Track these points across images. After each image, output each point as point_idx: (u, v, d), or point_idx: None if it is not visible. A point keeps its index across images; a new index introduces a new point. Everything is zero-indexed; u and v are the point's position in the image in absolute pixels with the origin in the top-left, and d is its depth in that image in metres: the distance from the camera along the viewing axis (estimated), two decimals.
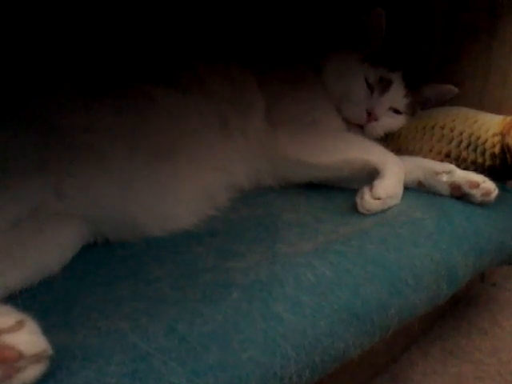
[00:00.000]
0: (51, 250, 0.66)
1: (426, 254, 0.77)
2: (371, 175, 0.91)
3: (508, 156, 0.93)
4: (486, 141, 0.96)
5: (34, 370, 0.42)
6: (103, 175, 0.72)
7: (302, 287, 0.62)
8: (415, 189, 0.97)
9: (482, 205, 0.92)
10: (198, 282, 0.63)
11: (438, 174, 0.94)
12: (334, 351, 0.59)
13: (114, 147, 0.75)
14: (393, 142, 1.08)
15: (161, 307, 0.57)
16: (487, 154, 0.95)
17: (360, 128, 1.07)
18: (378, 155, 0.93)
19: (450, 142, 1.00)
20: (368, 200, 0.86)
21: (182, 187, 0.82)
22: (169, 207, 0.79)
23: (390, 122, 1.08)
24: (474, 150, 0.97)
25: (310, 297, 0.61)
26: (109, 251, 0.73)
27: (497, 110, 1.07)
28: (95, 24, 0.98)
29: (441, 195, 0.94)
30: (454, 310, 1.12)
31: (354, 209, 0.88)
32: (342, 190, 0.99)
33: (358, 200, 0.87)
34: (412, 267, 0.73)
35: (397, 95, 1.09)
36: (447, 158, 0.99)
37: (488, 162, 0.95)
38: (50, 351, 0.43)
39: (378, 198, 0.86)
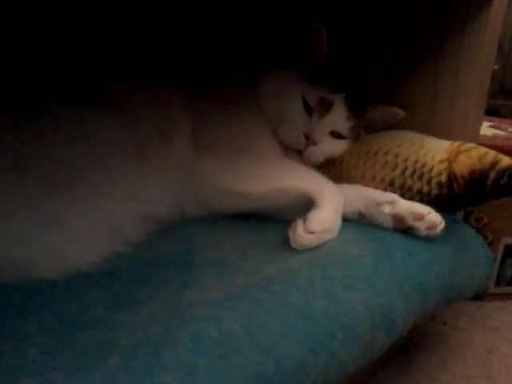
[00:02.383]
0: None
1: (360, 300, 0.67)
2: (308, 206, 0.81)
3: (455, 185, 0.85)
4: (432, 168, 0.87)
5: None
6: None
7: (200, 348, 0.51)
8: (356, 221, 0.87)
9: (428, 239, 0.82)
10: (74, 341, 0.52)
11: (379, 204, 0.85)
12: None
13: None
14: (334, 168, 0.99)
15: (14, 379, 0.45)
16: (433, 182, 0.87)
17: (298, 153, 0.97)
18: (314, 183, 0.84)
19: (394, 169, 0.91)
20: (301, 234, 0.76)
21: (81, 221, 0.70)
22: (61, 245, 0.67)
23: (330, 146, 0.99)
24: (420, 179, 0.88)
25: (209, 361, 0.50)
26: None
27: (445, 134, 0.99)
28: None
29: (383, 228, 0.84)
30: (402, 353, 1.02)
31: (287, 243, 0.78)
32: (276, 221, 0.88)
33: (291, 234, 0.78)
34: (342, 316, 0.63)
35: (338, 118, 1.00)
36: (391, 186, 0.90)
37: (434, 192, 0.87)
38: None
39: (313, 232, 0.76)
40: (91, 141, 0.76)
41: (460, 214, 1.06)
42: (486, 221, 1.24)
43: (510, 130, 1.51)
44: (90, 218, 0.71)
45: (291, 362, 0.55)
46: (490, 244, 1.24)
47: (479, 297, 1.24)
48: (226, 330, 0.54)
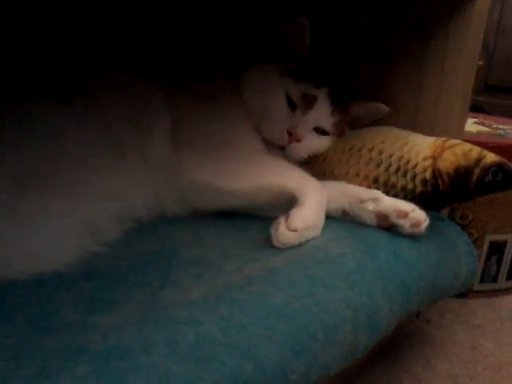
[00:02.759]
0: None
1: (343, 300, 0.65)
2: (291, 203, 0.79)
3: (440, 182, 0.83)
4: (416, 165, 0.86)
5: None
6: None
7: (176, 353, 0.49)
8: (339, 218, 0.85)
9: (412, 236, 0.81)
10: (43, 347, 0.49)
11: (363, 201, 0.83)
12: None
13: None
14: (317, 165, 0.97)
15: None
16: (418, 179, 0.85)
17: (281, 150, 0.95)
18: (296, 180, 0.82)
19: (378, 165, 0.89)
20: (283, 232, 0.74)
21: (55, 220, 0.68)
22: (34, 245, 0.65)
23: (314, 143, 0.97)
24: (404, 175, 0.86)
25: (184, 366, 0.48)
26: None
27: (430, 130, 0.98)
28: None
29: (367, 226, 0.83)
30: (385, 353, 1.00)
31: (269, 242, 0.76)
32: (259, 218, 0.86)
33: (273, 232, 0.76)
34: (324, 317, 0.62)
35: (322, 113, 0.98)
36: (375, 183, 0.89)
37: (419, 189, 0.85)
38: None
39: (295, 230, 0.74)
40: (65, 138, 0.73)
41: (445, 211, 1.04)
42: (471, 218, 1.24)
43: (494, 126, 1.51)
44: (64, 218, 0.69)
45: (271, 365, 0.53)
46: (474, 241, 1.23)
47: (464, 294, 1.23)
48: (203, 333, 0.52)
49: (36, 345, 0.49)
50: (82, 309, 0.58)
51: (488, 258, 1.28)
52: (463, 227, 1.18)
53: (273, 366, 0.53)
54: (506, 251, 1.29)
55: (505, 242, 1.28)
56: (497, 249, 1.28)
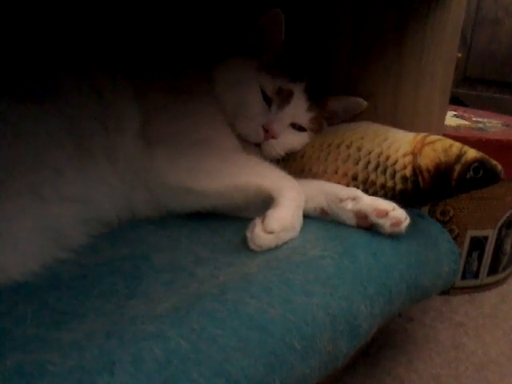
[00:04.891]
0: None
1: (321, 306, 0.62)
2: (268, 203, 0.75)
3: (420, 179, 0.81)
4: (395, 161, 0.83)
5: None
6: None
7: (141, 371, 0.46)
8: (318, 218, 0.82)
9: (392, 236, 0.78)
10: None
11: (342, 200, 0.80)
12: None
13: None
14: (295, 162, 0.94)
15: None
16: (397, 176, 0.83)
17: (257, 147, 0.92)
18: (272, 179, 0.79)
19: (357, 162, 0.86)
20: (259, 234, 0.71)
21: (14, 225, 0.63)
22: None
23: (291, 139, 0.94)
24: (383, 172, 0.84)
25: None
26: None
27: (410, 124, 0.96)
28: None
29: (346, 225, 0.80)
30: (367, 354, 0.98)
31: (245, 244, 0.73)
32: (234, 220, 0.83)
33: (249, 234, 0.73)
34: (301, 326, 0.59)
35: (299, 109, 0.95)
36: (354, 181, 0.86)
37: (399, 186, 0.83)
38: None
39: (271, 232, 0.71)
40: (24, 137, 0.69)
41: (425, 208, 1.03)
42: (451, 214, 1.22)
43: (474, 119, 1.49)
44: (25, 222, 0.65)
45: (245, 381, 0.50)
46: (455, 237, 1.22)
47: (445, 291, 1.21)
48: (171, 349, 0.49)
49: None
50: (43, 323, 0.54)
51: (469, 254, 1.27)
52: (444, 223, 1.16)
53: (247, 381, 0.50)
54: (487, 247, 1.28)
55: (486, 238, 1.27)
56: (478, 244, 1.27)
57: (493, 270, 1.32)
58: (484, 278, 1.32)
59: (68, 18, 0.95)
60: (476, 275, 1.30)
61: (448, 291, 1.25)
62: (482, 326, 1.14)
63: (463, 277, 1.28)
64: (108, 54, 0.88)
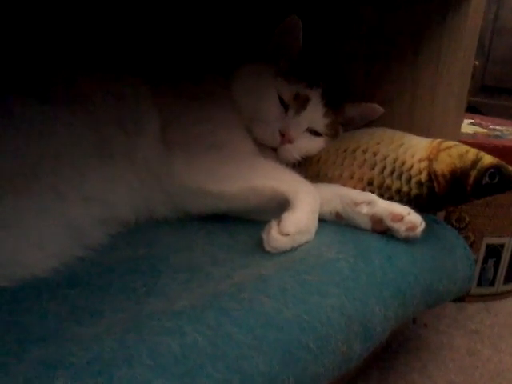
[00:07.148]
0: None
1: (336, 307, 0.63)
2: (283, 206, 0.76)
3: (436, 184, 0.81)
4: (411, 167, 0.83)
5: None
6: None
7: (158, 365, 0.47)
8: (333, 222, 0.83)
9: (407, 240, 0.79)
10: (24, 359, 0.47)
11: (357, 204, 0.81)
12: None
13: None
14: (311, 167, 0.95)
15: None
16: (413, 181, 0.83)
17: (274, 151, 0.93)
18: (289, 183, 0.80)
19: (373, 167, 0.87)
20: (275, 236, 0.72)
21: (37, 224, 0.65)
22: (15, 249, 0.62)
23: (307, 144, 0.95)
24: (399, 177, 0.84)
25: (167, 380, 0.46)
26: None
27: (426, 131, 0.96)
28: None
29: (361, 229, 0.81)
30: (381, 359, 0.98)
31: (261, 246, 0.73)
32: (250, 222, 0.84)
33: (264, 236, 0.73)
34: (316, 326, 0.59)
35: (315, 114, 0.96)
36: (370, 186, 0.87)
37: (414, 191, 0.83)
38: None
39: (287, 234, 0.72)
40: (48, 138, 0.71)
41: (441, 214, 1.03)
42: (467, 220, 1.21)
43: (491, 127, 1.49)
44: (47, 221, 0.66)
45: (259, 378, 0.51)
46: (471, 244, 1.21)
47: (461, 298, 1.21)
48: (188, 344, 0.50)
49: (15, 357, 0.47)
50: (64, 318, 0.55)
51: (485, 261, 1.26)
52: (460, 230, 1.16)
53: (261, 378, 0.51)
54: (504, 254, 1.27)
55: (502, 245, 1.26)
56: (494, 252, 1.26)
57: (509, 277, 1.31)
58: (500, 286, 1.31)
59: (92, 24, 0.97)
60: (492, 283, 1.29)
61: (463, 298, 1.25)
62: (498, 334, 1.13)
63: (479, 284, 1.28)
64: (129, 59, 0.90)
